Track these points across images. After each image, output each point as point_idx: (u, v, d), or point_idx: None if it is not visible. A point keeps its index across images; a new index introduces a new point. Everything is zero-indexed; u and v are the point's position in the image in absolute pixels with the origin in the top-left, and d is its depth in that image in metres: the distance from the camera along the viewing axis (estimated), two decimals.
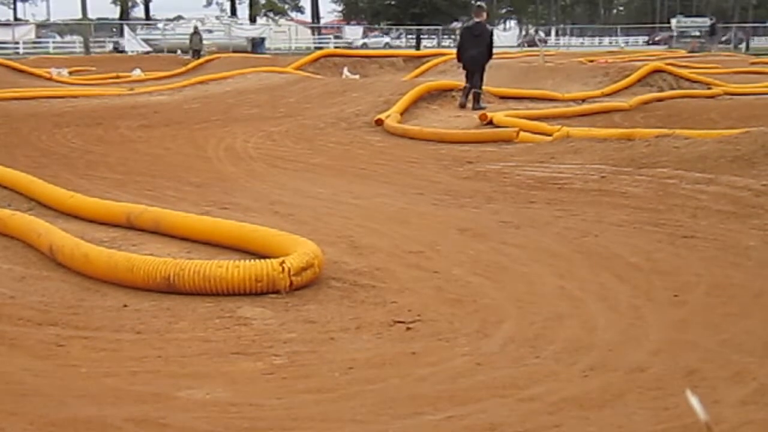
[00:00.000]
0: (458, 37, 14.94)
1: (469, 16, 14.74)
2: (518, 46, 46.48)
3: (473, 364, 3.47)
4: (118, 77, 23.15)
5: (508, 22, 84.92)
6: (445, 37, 52.34)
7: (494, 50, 14.26)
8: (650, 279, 4.65)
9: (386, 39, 51.14)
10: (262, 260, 4.53)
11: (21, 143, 10.75)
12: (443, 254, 5.24)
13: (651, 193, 6.79)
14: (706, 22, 49.04)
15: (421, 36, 51.99)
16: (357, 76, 20.95)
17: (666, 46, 48.32)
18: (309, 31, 58.62)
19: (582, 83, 17.08)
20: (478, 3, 14.93)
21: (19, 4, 70.89)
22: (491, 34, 14.34)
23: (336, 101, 14.26)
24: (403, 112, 12.64)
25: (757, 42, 51.26)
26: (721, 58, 31.94)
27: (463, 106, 13.63)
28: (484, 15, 14.22)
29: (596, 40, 62.15)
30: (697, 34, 46.37)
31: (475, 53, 13.69)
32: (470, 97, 13.70)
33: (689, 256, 5.09)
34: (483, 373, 3.38)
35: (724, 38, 50.02)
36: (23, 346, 3.76)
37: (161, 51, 38.80)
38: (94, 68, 26.70)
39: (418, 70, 22.22)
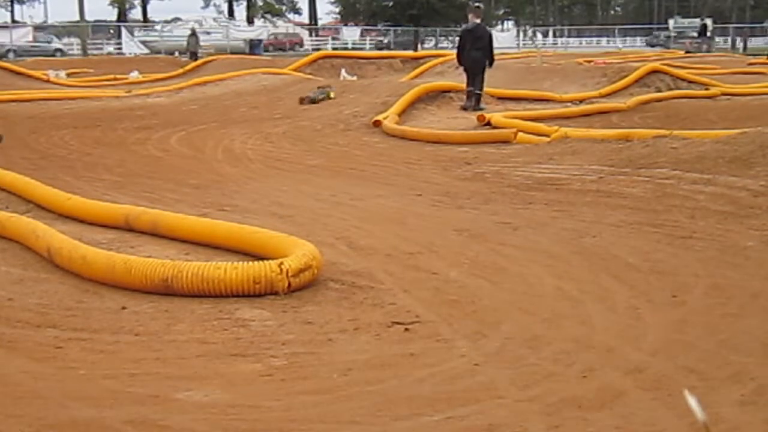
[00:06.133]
0: (458, 39, 14.92)
1: (466, 18, 14.70)
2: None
3: (471, 365, 3.47)
4: (115, 79, 23.14)
5: (505, 23, 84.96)
6: (443, 38, 52.37)
7: (494, 51, 14.28)
8: (648, 279, 4.66)
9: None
10: (261, 262, 4.53)
11: (19, 145, 10.74)
12: (441, 255, 5.24)
13: (649, 194, 6.79)
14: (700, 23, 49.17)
15: (419, 37, 52.00)
16: (355, 78, 20.96)
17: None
18: (306, 33, 58.64)
19: (580, 84, 17.10)
20: (476, 4, 14.94)
21: (16, 6, 70.91)
22: (491, 36, 14.38)
23: (334, 102, 14.27)
24: (401, 114, 12.65)
25: (755, 42, 51.35)
26: (718, 58, 31.99)
27: (466, 109, 13.61)
28: (482, 16, 14.27)
29: (594, 40, 62.22)
30: (694, 35, 46.47)
31: (478, 55, 13.70)
32: (473, 99, 13.69)
33: (687, 257, 5.09)
34: (481, 374, 3.38)
35: (717, 39, 50.12)
36: (21, 348, 3.76)
37: (159, 53, 38.81)
38: (91, 70, 26.69)
39: (416, 72, 22.22)
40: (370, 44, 50.91)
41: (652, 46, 55.21)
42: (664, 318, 4.02)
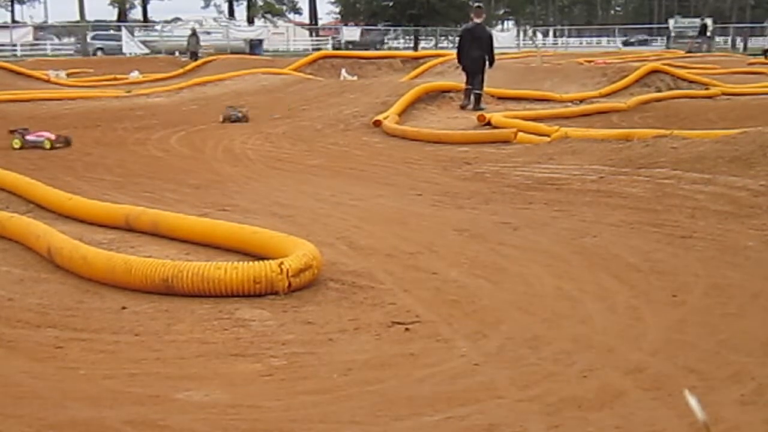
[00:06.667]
0: (458, 39, 14.92)
1: (466, 18, 14.67)
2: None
3: (471, 365, 3.48)
4: (115, 79, 23.15)
5: (505, 23, 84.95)
6: (443, 38, 52.37)
7: (495, 51, 14.27)
8: (648, 279, 4.66)
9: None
10: (261, 262, 4.53)
11: None
12: (442, 255, 5.24)
13: (649, 194, 6.80)
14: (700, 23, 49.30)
15: (419, 37, 52.02)
16: (355, 78, 20.95)
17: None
18: (307, 33, 58.63)
19: (580, 84, 17.10)
20: (477, 4, 14.94)
21: (16, 6, 70.88)
22: (491, 36, 14.37)
23: (334, 102, 14.27)
24: (401, 113, 12.65)
25: (755, 42, 51.32)
26: (718, 58, 31.99)
27: (464, 107, 13.63)
28: (483, 16, 14.25)
29: (594, 40, 62.22)
30: (695, 34, 46.48)
31: (476, 55, 13.70)
32: (471, 98, 13.70)
33: (687, 257, 5.09)
34: (481, 374, 3.38)
35: (717, 39, 50.37)
36: (22, 348, 3.76)
37: (159, 53, 38.80)
38: (91, 70, 26.69)
39: (415, 72, 22.22)
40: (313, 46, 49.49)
41: (626, 45, 55.55)
42: (664, 318, 4.02)
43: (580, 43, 61.27)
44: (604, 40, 60.89)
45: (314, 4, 67.19)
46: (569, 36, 64.31)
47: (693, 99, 15.59)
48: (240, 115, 13.15)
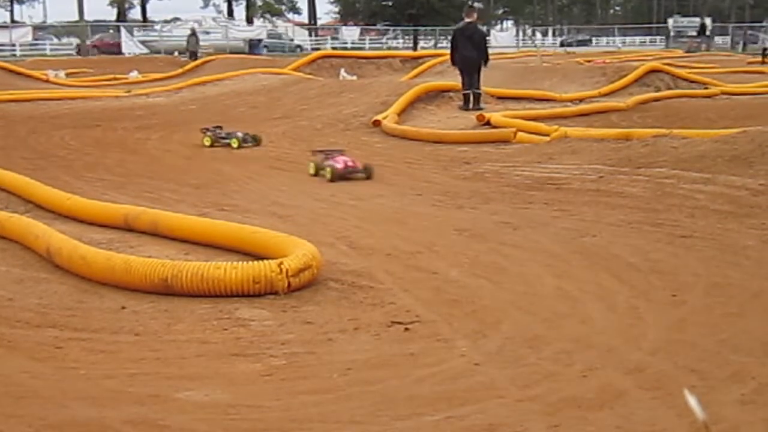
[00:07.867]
0: (451, 39, 14.86)
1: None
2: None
3: (471, 365, 3.47)
4: (115, 79, 23.14)
5: (505, 23, 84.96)
6: (442, 38, 52.36)
7: (489, 51, 14.19)
8: (648, 279, 4.66)
9: None
10: (260, 261, 4.52)
11: (18, 145, 10.74)
12: (441, 255, 5.24)
13: (649, 193, 6.80)
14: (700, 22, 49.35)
15: (418, 37, 52.01)
16: (354, 77, 20.95)
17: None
18: (306, 32, 58.60)
19: (579, 83, 17.09)
20: (470, 3, 14.89)
21: (16, 6, 70.82)
22: (484, 35, 14.29)
23: (333, 102, 14.27)
24: (401, 113, 12.64)
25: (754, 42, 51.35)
26: (718, 57, 32.01)
27: (465, 110, 13.54)
28: (475, 15, 14.15)
29: (593, 40, 62.26)
30: (694, 34, 46.49)
31: (468, 54, 13.63)
32: (470, 99, 13.62)
33: (687, 256, 5.09)
34: (481, 374, 3.38)
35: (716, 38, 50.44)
36: (22, 348, 3.76)
37: (158, 52, 38.79)
38: (91, 70, 26.68)
39: (415, 71, 22.21)
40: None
41: (564, 45, 55.46)
42: (664, 317, 4.02)
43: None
44: (603, 40, 60.89)
45: (313, 3, 67.14)
46: (569, 36, 64.33)
47: (692, 98, 15.60)
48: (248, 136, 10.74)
